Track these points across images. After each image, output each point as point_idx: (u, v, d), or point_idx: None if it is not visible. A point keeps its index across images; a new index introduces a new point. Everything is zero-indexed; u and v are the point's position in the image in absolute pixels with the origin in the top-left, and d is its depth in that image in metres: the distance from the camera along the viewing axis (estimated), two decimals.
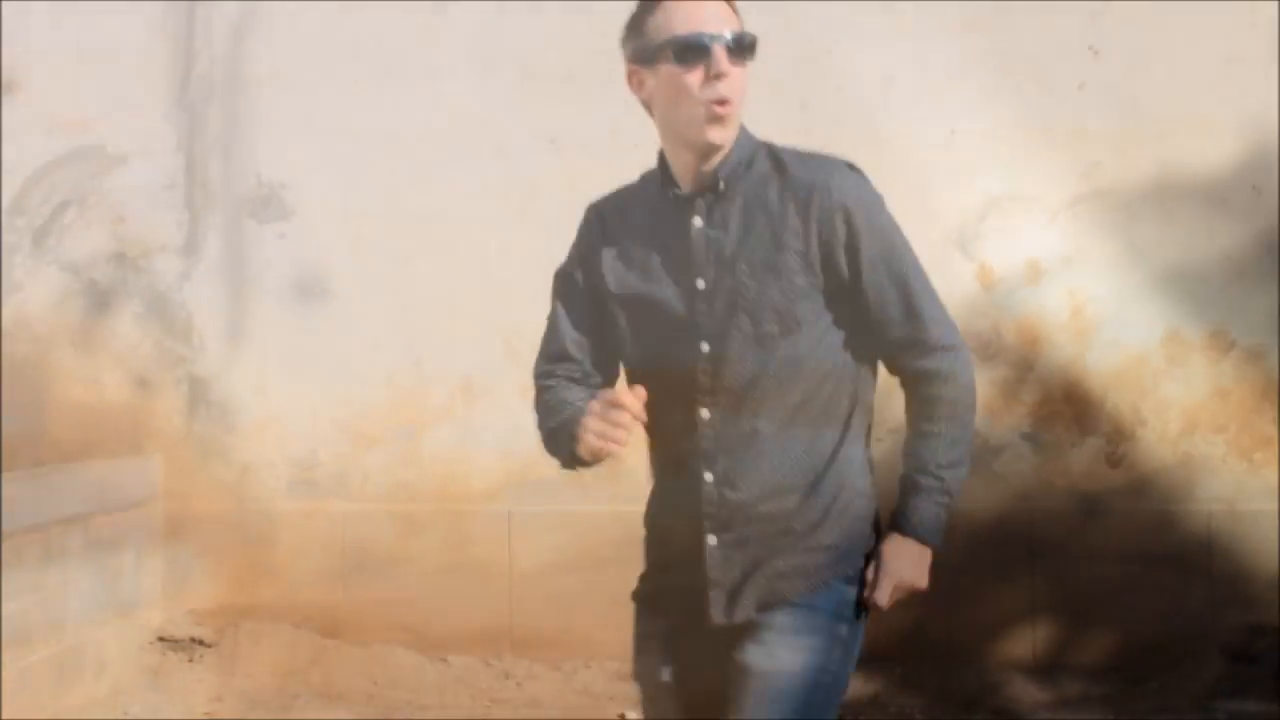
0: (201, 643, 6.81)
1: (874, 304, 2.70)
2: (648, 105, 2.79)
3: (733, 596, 2.71)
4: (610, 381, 2.92)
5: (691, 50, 2.61)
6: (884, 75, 6.76)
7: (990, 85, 6.72)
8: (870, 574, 2.72)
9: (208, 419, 7.06)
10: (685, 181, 2.76)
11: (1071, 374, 6.67)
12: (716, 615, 2.71)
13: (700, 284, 2.70)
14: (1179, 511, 6.59)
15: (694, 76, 2.63)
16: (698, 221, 2.72)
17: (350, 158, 7.03)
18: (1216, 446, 6.59)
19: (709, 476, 2.70)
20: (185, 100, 7.15)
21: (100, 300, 7.14)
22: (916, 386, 2.79)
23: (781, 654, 2.68)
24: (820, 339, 2.69)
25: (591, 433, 2.61)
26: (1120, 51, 6.67)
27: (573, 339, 2.98)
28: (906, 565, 2.73)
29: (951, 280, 6.66)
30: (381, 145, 7.02)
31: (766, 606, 2.69)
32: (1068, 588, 6.59)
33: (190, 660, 6.75)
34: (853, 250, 2.68)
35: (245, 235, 7.08)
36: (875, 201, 2.78)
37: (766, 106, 6.97)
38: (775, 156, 2.75)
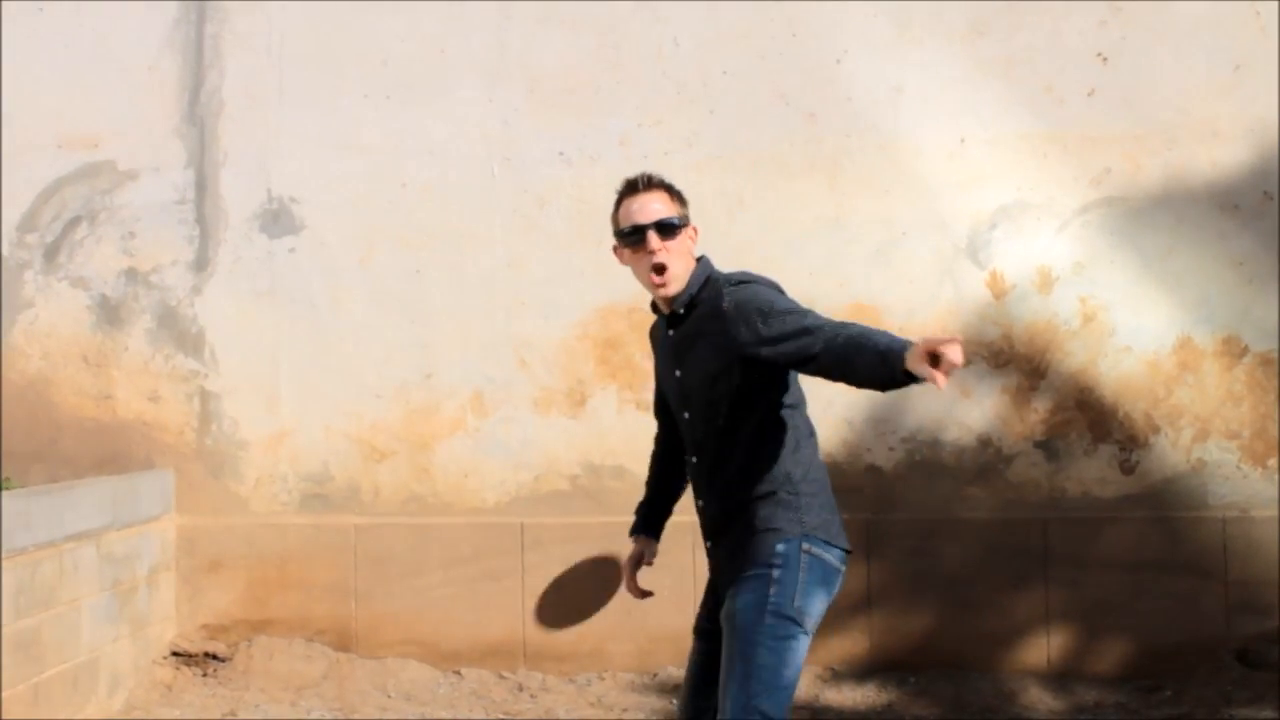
0: (215, 657, 6.82)
1: (784, 355, 3.56)
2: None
3: (721, 572, 3.81)
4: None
5: (633, 236, 3.76)
6: (893, 84, 6.77)
7: (1000, 93, 6.73)
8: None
9: (220, 434, 7.07)
10: (664, 309, 3.86)
11: (1083, 381, 6.66)
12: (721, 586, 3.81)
13: (678, 373, 3.82)
14: (1192, 518, 6.58)
15: (640, 253, 3.74)
16: (671, 333, 3.83)
17: (360, 172, 7.05)
18: (1230, 453, 6.58)
19: (701, 501, 3.87)
20: (195, 116, 7.17)
21: (112, 316, 7.16)
22: (841, 350, 3.46)
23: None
24: (747, 397, 3.69)
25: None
26: (1129, 58, 6.67)
27: (660, 432, 4.21)
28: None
29: (962, 288, 6.68)
30: (391, 159, 7.04)
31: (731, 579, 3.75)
32: (1081, 596, 6.58)
33: (204, 675, 6.76)
34: (745, 339, 3.60)
35: (256, 249, 7.10)
36: (756, 293, 3.65)
37: (776, 117, 7.03)
38: (711, 283, 3.75)
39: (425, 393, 6.99)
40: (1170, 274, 6.64)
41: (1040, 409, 6.67)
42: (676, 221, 3.74)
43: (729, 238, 6.79)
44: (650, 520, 4.19)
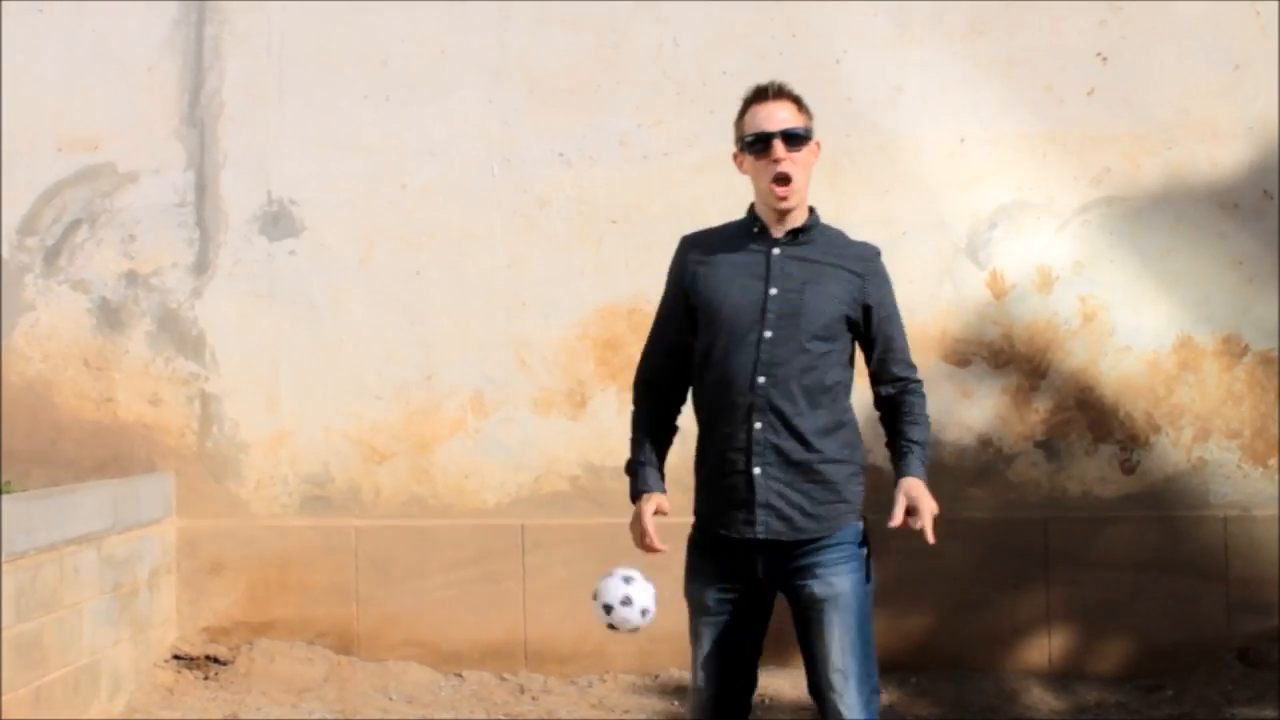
0: (216, 660, 6.82)
1: (879, 341, 3.79)
2: (744, 174, 3.80)
3: (766, 514, 3.66)
4: (683, 379, 3.85)
5: (760, 143, 3.71)
6: (893, 84, 6.76)
7: (999, 92, 6.72)
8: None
9: (220, 436, 7.07)
10: (773, 227, 3.75)
11: (1084, 381, 6.66)
12: (757, 531, 3.68)
13: (774, 290, 3.67)
14: (1193, 518, 6.57)
15: (763, 162, 3.70)
16: (777, 250, 3.72)
17: (360, 173, 7.04)
18: (1230, 452, 6.58)
19: (758, 424, 3.64)
20: (195, 118, 7.17)
21: (112, 318, 7.15)
22: (896, 396, 3.84)
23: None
24: (840, 352, 3.72)
25: (636, 537, 3.88)
26: (1129, 57, 6.67)
27: (663, 349, 3.87)
28: (927, 496, 3.66)
29: (962, 288, 6.68)
30: (391, 160, 7.03)
31: (798, 531, 3.67)
32: (1083, 595, 6.58)
33: (205, 678, 6.76)
34: (879, 303, 3.76)
35: (256, 252, 7.10)
36: (888, 277, 3.86)
37: None
38: (835, 231, 3.83)
39: (425, 393, 6.99)
40: (1170, 273, 6.64)
41: (1040, 409, 6.67)
42: (803, 132, 3.73)
43: None
44: (660, 475, 3.92)
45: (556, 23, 6.98)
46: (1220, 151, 6.61)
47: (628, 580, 3.75)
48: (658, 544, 3.80)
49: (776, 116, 3.72)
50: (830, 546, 3.64)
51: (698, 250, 3.82)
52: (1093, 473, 6.65)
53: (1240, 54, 6.61)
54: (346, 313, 7.04)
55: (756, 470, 3.63)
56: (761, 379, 3.61)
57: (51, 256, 7.20)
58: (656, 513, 3.80)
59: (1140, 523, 6.58)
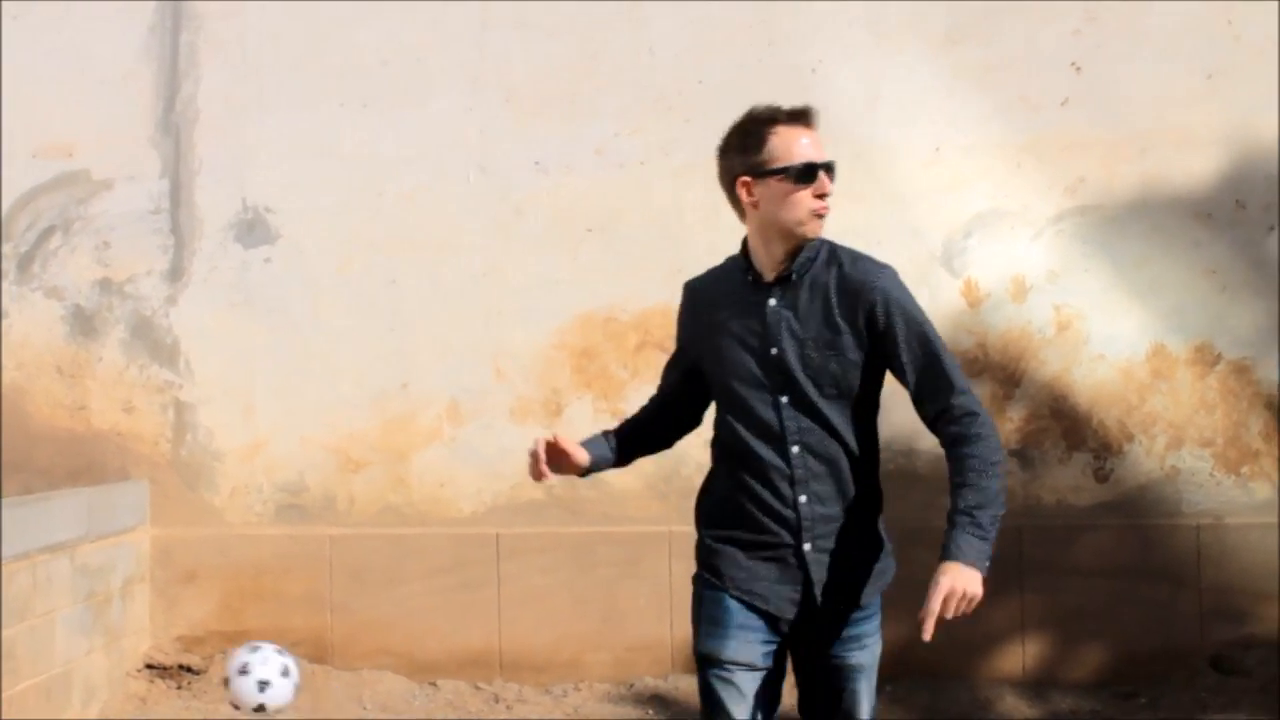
0: (189, 669, 6.79)
1: (910, 376, 3.35)
2: (748, 205, 3.44)
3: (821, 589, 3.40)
4: (689, 417, 3.72)
5: (809, 174, 3.39)
6: (869, 92, 6.78)
7: (975, 101, 6.74)
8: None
9: (194, 444, 7.04)
10: (766, 270, 3.43)
11: (1058, 389, 6.68)
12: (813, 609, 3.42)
13: (774, 351, 3.36)
14: (1167, 526, 6.59)
15: (804, 191, 3.39)
16: (772, 301, 3.40)
17: (336, 181, 7.03)
18: (1203, 460, 6.61)
19: (803, 497, 3.35)
20: (170, 125, 7.15)
21: (86, 326, 7.13)
22: (950, 448, 3.33)
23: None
24: (862, 401, 3.37)
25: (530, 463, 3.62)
26: (1103, 66, 6.70)
27: (662, 387, 3.73)
28: (958, 579, 3.26)
29: (937, 296, 6.69)
30: (367, 168, 7.02)
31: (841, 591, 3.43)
32: (1057, 603, 6.59)
33: (178, 687, 6.73)
34: (890, 332, 3.34)
35: (231, 259, 7.08)
36: (905, 293, 3.41)
37: None
38: (834, 254, 3.47)
39: (402, 402, 6.98)
40: (1144, 282, 6.66)
41: (1015, 417, 6.68)
42: (834, 166, 3.47)
43: (706, 245, 6.76)
44: (607, 442, 3.80)
45: (535, 31, 6.98)
46: (1194, 160, 6.64)
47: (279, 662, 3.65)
48: (546, 471, 3.68)
49: (822, 148, 3.44)
50: (873, 614, 3.55)
51: (698, 305, 3.55)
52: (1066, 481, 6.67)
53: (1214, 62, 6.64)
54: (322, 321, 7.02)
55: (808, 546, 3.37)
56: (795, 449, 3.33)
57: (25, 263, 7.17)
58: (552, 445, 3.68)
59: (1114, 531, 6.60)
